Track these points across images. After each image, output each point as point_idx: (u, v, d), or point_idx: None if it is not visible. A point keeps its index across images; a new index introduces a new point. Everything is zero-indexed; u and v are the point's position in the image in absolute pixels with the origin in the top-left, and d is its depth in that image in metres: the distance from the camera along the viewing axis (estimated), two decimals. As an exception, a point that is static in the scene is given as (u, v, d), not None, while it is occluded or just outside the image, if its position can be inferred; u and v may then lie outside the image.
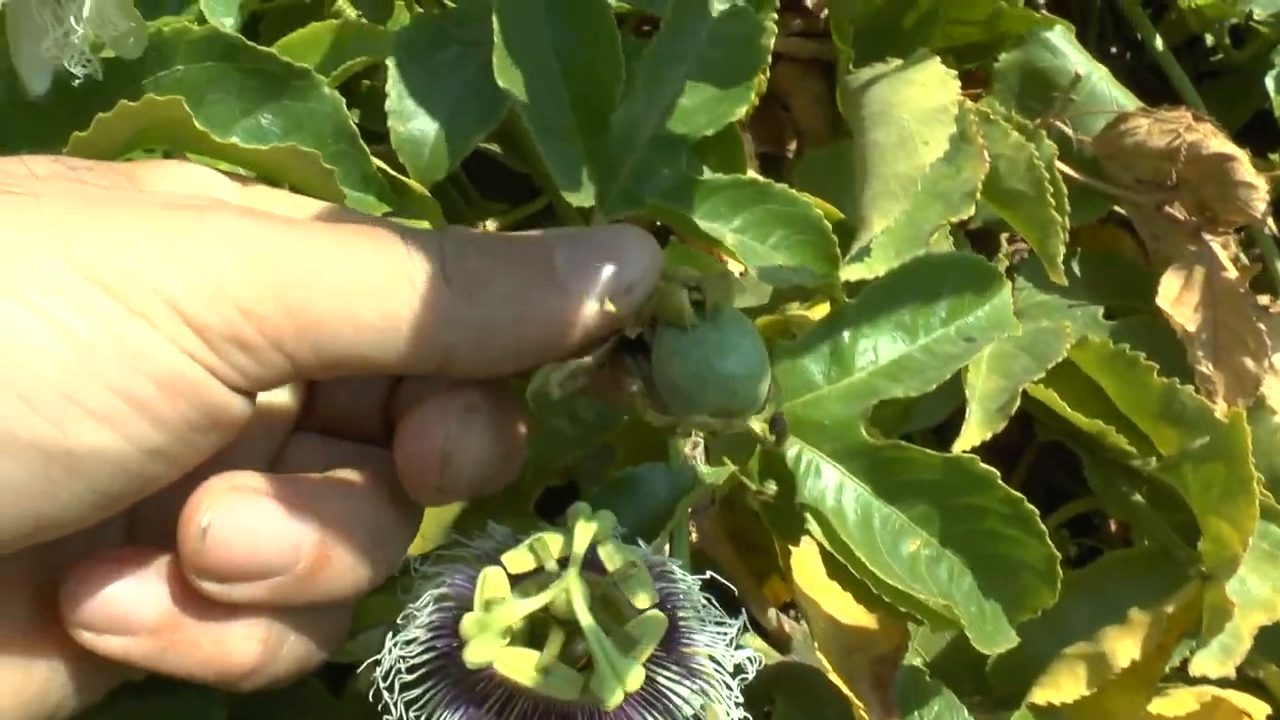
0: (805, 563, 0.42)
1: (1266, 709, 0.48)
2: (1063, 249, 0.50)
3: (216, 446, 0.29)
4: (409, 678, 0.32)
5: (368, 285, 0.28)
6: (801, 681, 0.48)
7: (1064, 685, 0.44)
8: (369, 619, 0.37)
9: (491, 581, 0.30)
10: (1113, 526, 0.61)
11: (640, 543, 0.34)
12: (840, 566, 0.38)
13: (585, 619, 0.28)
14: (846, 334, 0.38)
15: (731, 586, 0.33)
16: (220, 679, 0.30)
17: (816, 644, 0.42)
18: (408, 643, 0.32)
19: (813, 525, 0.38)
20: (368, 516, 0.31)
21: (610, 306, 0.30)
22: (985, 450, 0.64)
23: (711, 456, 0.41)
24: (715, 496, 0.42)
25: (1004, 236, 0.60)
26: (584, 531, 0.30)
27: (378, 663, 0.31)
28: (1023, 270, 0.58)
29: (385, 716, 0.32)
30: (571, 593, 0.29)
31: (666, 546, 0.38)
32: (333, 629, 0.33)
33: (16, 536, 0.26)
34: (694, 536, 0.42)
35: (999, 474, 0.37)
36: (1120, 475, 0.51)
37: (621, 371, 0.32)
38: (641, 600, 0.30)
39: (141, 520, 0.33)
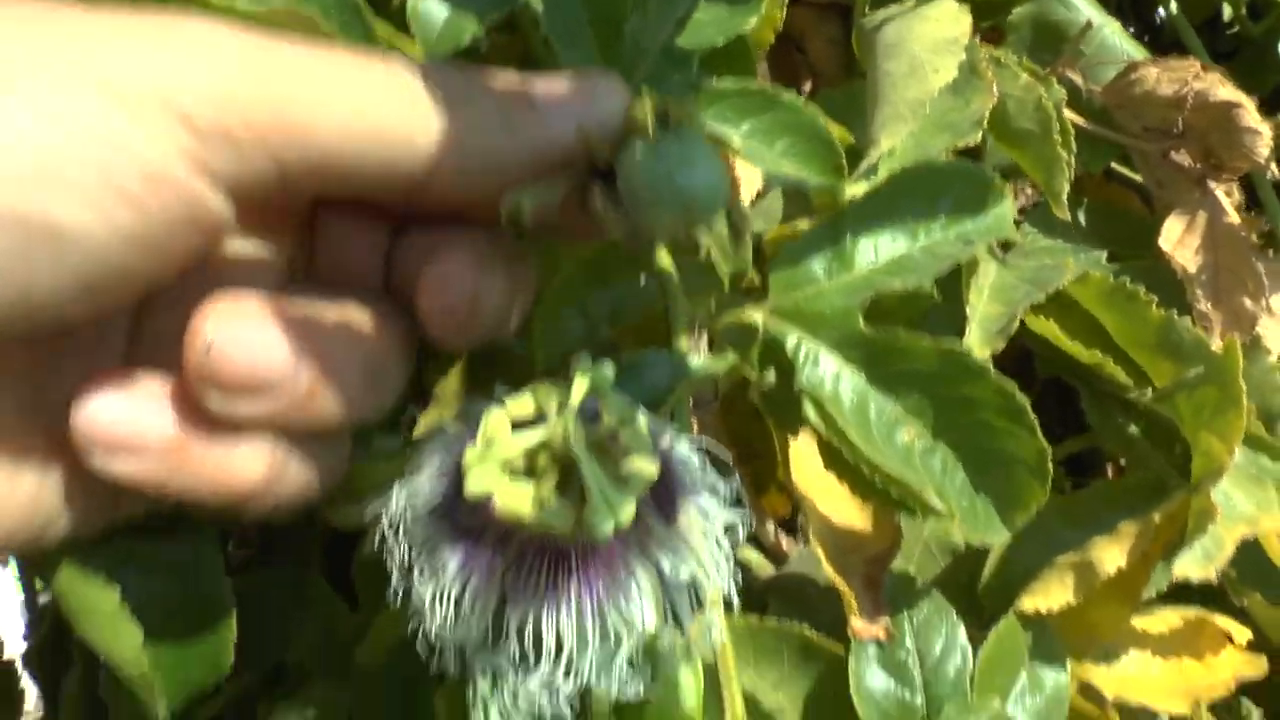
0: (803, 459, 0.43)
1: (1249, 634, 0.49)
2: (1067, 186, 0.51)
3: (195, 251, 0.30)
4: (412, 525, 0.33)
5: (355, 92, 0.30)
6: (796, 589, 0.49)
7: (1052, 593, 0.45)
8: (375, 483, 0.38)
9: (493, 421, 0.32)
10: (1110, 472, 0.62)
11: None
12: (837, 455, 0.40)
13: (580, 450, 0.30)
14: (849, 234, 0.40)
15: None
16: (226, 500, 0.31)
17: (815, 538, 0.44)
18: (412, 493, 0.34)
19: (810, 412, 0.39)
20: (368, 347, 0.33)
21: (584, 133, 0.32)
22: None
23: (715, 350, 0.43)
24: (718, 391, 0.44)
25: (1011, 187, 0.61)
26: (583, 378, 0.32)
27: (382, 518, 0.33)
28: (1029, 216, 0.59)
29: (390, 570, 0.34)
30: (568, 426, 0.30)
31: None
32: (332, 461, 0.34)
33: (4, 316, 0.27)
34: (696, 430, 0.43)
35: (990, 365, 0.38)
36: (1117, 408, 0.53)
37: (591, 194, 0.34)
38: (636, 447, 0.31)
39: (136, 357, 0.34)
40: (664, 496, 0.33)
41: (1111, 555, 0.44)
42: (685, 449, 0.34)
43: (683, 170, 0.34)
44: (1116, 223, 0.61)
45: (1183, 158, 0.55)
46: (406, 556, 0.34)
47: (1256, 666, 0.49)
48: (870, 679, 0.44)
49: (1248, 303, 0.51)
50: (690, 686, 0.34)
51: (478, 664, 0.33)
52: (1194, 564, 0.43)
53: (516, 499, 0.31)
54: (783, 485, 0.48)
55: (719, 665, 0.35)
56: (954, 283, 0.50)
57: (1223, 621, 0.48)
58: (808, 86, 0.61)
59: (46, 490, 0.32)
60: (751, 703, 0.39)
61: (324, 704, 0.55)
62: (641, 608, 0.32)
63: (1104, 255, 0.57)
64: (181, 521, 0.38)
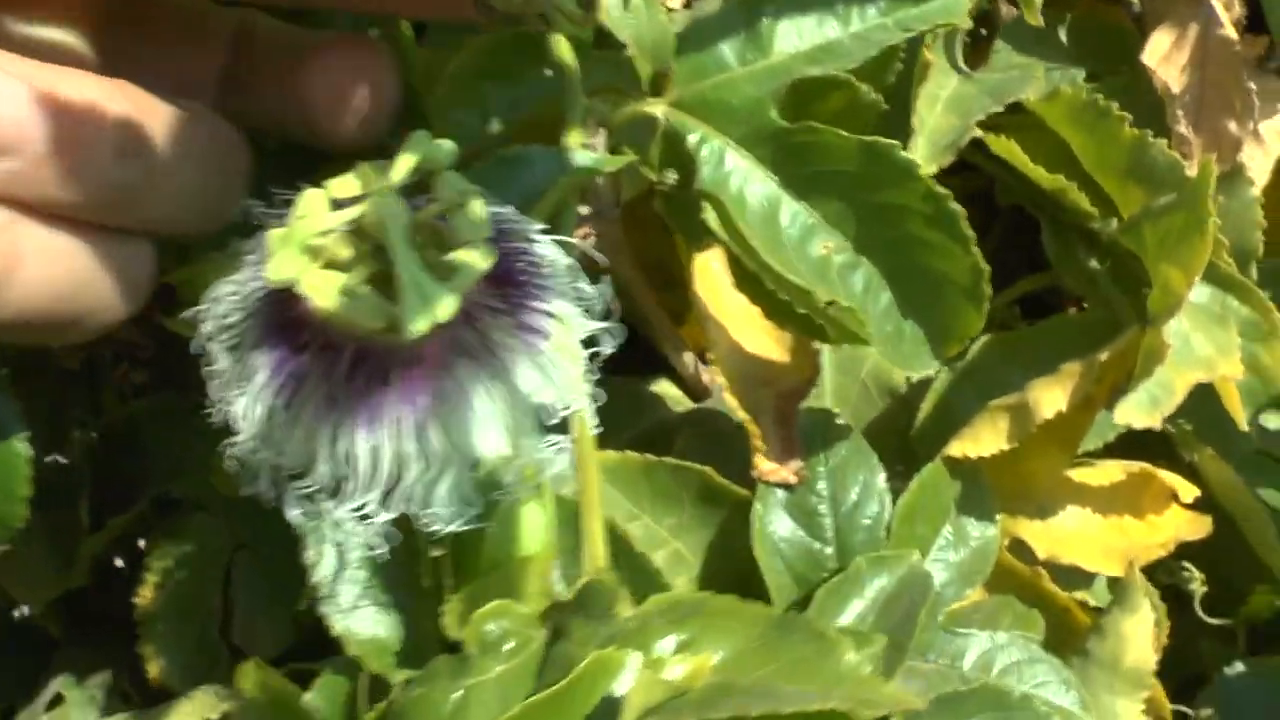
0: (711, 277, 0.38)
1: (1196, 491, 0.45)
2: (1041, -12, 0.45)
3: None
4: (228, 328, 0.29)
5: None
6: (709, 426, 0.45)
7: (983, 438, 0.41)
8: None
9: (307, 201, 0.26)
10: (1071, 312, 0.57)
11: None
12: (748, 273, 0.35)
13: (395, 236, 0.25)
14: (766, 17, 0.34)
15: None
16: None
17: (719, 369, 0.39)
18: (230, 290, 0.29)
19: (711, 217, 0.34)
20: (140, 133, 0.29)
21: None
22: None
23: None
24: (619, 199, 0.38)
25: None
26: (408, 156, 0.26)
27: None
28: (1004, 32, 0.53)
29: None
30: (383, 206, 0.25)
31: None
32: (131, 271, 0.30)
33: None
34: (593, 241, 0.38)
35: (920, 164, 0.33)
36: (1080, 241, 0.47)
37: None
38: (470, 234, 0.26)
39: None
40: (515, 300, 0.28)
41: (1051, 397, 0.39)
42: (546, 248, 0.29)
43: None
44: (1102, 40, 0.54)
45: (1177, -38, 0.48)
46: (224, 363, 0.29)
47: (1200, 527, 0.45)
48: (775, 525, 0.39)
49: (1233, 125, 0.45)
50: (534, 524, 0.30)
51: (288, 491, 0.28)
52: (1139, 410, 0.38)
53: (321, 288, 0.26)
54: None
55: (581, 501, 0.31)
56: (906, 93, 0.44)
57: (1168, 478, 0.44)
58: None
59: None
60: (630, 548, 0.34)
61: (201, 536, 0.51)
62: (472, 427, 0.27)
63: (1080, 74, 0.51)
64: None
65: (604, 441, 0.48)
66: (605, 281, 0.29)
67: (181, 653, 0.50)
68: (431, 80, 0.41)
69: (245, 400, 0.28)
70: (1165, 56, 0.47)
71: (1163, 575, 0.50)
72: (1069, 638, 0.43)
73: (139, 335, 0.57)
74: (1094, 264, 0.47)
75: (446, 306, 0.25)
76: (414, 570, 0.33)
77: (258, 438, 0.28)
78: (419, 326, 0.25)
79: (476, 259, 0.26)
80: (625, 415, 0.48)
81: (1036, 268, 0.53)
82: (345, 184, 0.27)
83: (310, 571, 0.33)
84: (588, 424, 0.31)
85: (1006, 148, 0.46)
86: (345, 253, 0.26)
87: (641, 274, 0.43)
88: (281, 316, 0.28)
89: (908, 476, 0.44)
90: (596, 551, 0.30)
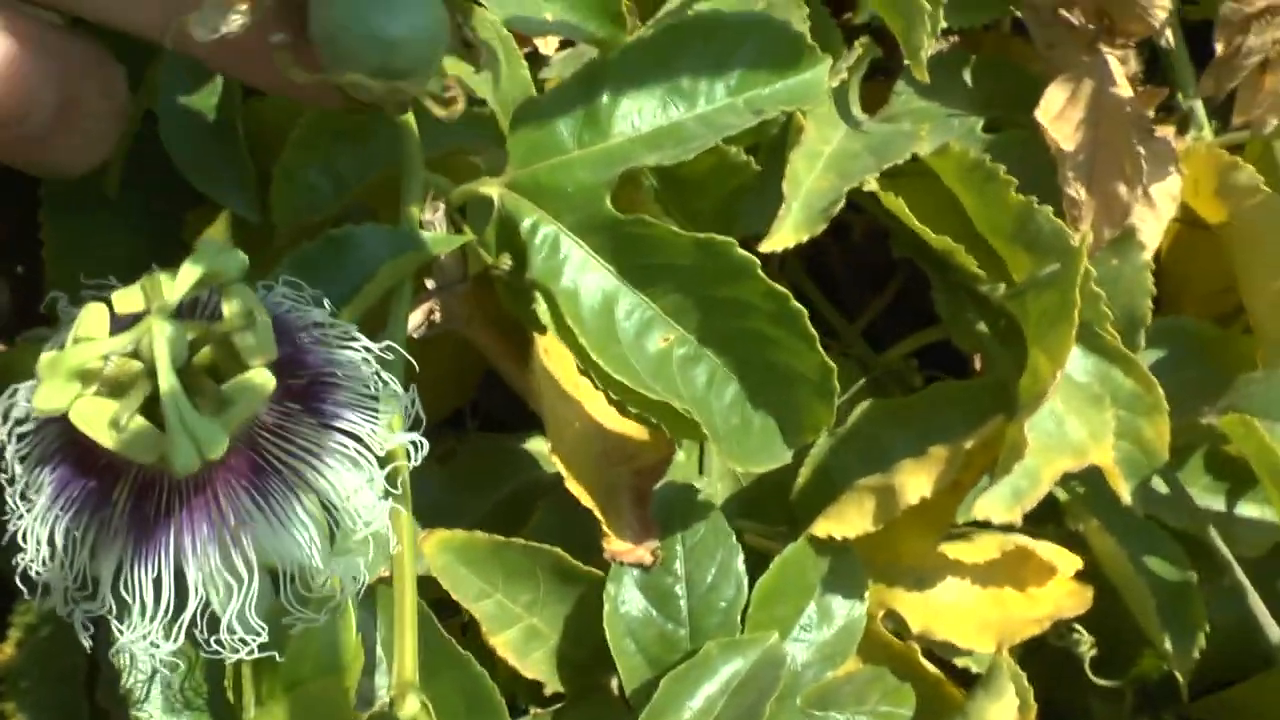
0: (559, 355, 0.37)
1: (1078, 563, 0.44)
2: (929, 42, 0.43)
3: None
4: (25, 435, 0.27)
5: None
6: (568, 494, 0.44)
7: (849, 518, 0.40)
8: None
9: (87, 319, 0.25)
10: (977, 364, 0.56)
11: (326, 305, 0.29)
12: (592, 361, 0.33)
13: (161, 367, 0.24)
14: (606, 95, 0.33)
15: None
16: None
17: (558, 453, 0.38)
18: (27, 393, 0.28)
19: (540, 307, 0.33)
20: None
21: None
22: (852, 268, 0.60)
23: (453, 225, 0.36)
24: (466, 271, 0.37)
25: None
26: (191, 270, 0.25)
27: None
28: (905, 73, 0.52)
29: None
30: (154, 334, 0.24)
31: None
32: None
33: None
34: (437, 316, 0.37)
35: (758, 263, 0.32)
36: (969, 302, 0.46)
37: (273, 18, 0.27)
38: (254, 357, 0.25)
39: None
40: (312, 414, 0.27)
41: (916, 482, 0.38)
42: (351, 353, 0.28)
43: (382, 9, 0.27)
44: (1007, 85, 0.52)
45: (1075, 16, 0.47)
46: (17, 473, 0.28)
47: (1081, 601, 0.44)
48: (628, 606, 0.39)
49: (1122, 189, 0.44)
50: (335, 642, 0.29)
51: (76, 614, 0.27)
52: (999, 504, 0.37)
53: (90, 419, 0.24)
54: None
55: (396, 613, 0.29)
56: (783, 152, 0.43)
57: (1048, 551, 0.43)
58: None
59: None
60: (456, 652, 0.33)
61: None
62: (259, 551, 0.26)
63: (981, 123, 0.50)
64: None
65: (471, 500, 0.48)
66: (413, 390, 0.28)
67: (43, 710, 0.49)
68: (276, 136, 0.39)
69: (33, 518, 0.27)
70: (1059, 114, 0.46)
71: (1053, 637, 0.49)
72: (942, 710, 0.43)
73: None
74: (983, 326, 0.46)
75: (218, 445, 0.24)
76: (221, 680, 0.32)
77: (44, 557, 0.27)
78: (187, 467, 0.23)
79: (260, 383, 0.25)
80: (495, 473, 0.47)
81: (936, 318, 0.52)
82: (129, 297, 0.26)
83: (120, 678, 0.32)
84: (404, 537, 0.29)
85: (896, 204, 0.44)
86: (123, 376, 0.25)
87: (499, 337, 0.41)
88: (68, 435, 0.27)
89: (791, 538, 0.43)
90: (406, 668, 0.29)
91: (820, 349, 0.33)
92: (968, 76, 0.52)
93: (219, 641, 0.26)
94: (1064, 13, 0.47)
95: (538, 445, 0.46)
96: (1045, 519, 0.46)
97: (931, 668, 0.43)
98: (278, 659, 0.27)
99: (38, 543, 0.27)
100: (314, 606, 0.27)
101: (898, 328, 0.55)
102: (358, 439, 0.27)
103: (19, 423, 0.28)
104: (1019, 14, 0.51)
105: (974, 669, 0.46)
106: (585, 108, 0.33)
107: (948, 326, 0.47)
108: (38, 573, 0.27)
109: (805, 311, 0.32)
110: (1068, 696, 0.52)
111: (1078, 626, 0.49)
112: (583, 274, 0.32)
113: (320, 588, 0.27)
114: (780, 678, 0.37)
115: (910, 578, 0.43)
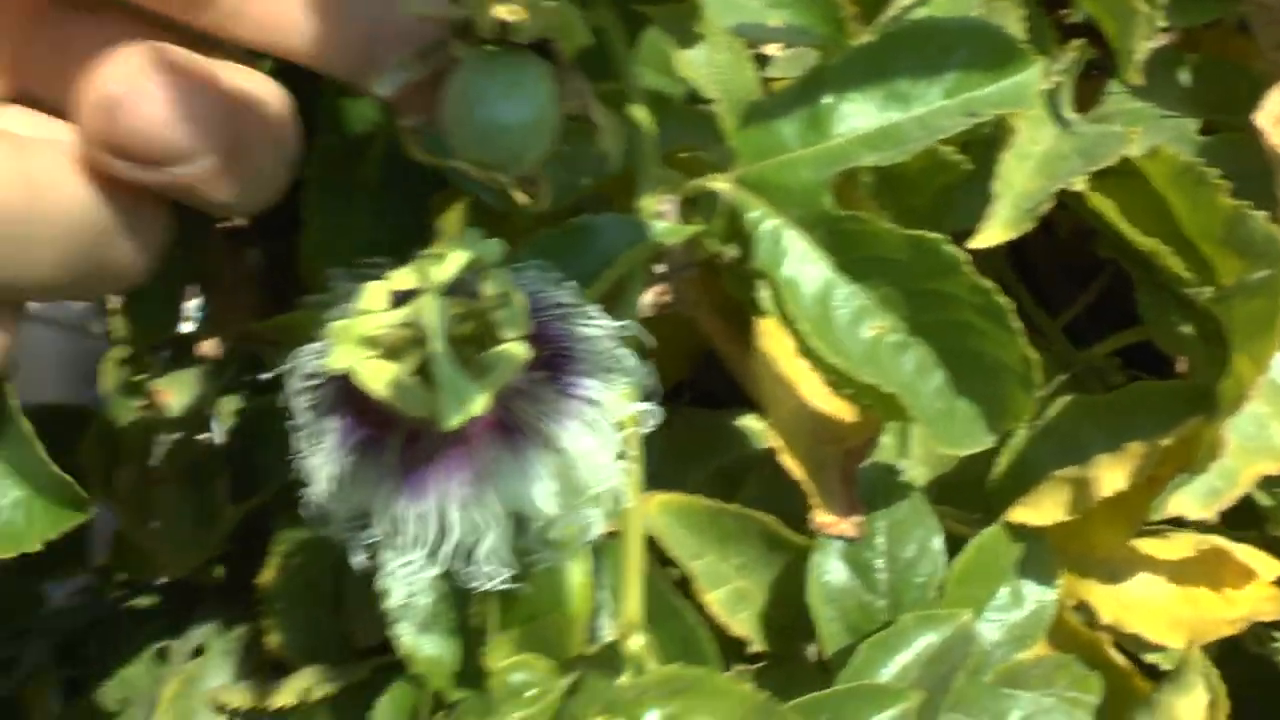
0: (780, 340, 0.40)
1: (1278, 569, 0.44)
2: (1145, 45, 0.44)
3: None
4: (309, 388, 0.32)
5: None
6: (777, 465, 0.46)
7: (1044, 507, 0.41)
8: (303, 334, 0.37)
9: (370, 294, 0.29)
10: (1179, 366, 0.56)
11: (570, 286, 0.33)
12: (810, 346, 0.36)
13: (433, 336, 0.27)
14: (828, 97, 0.35)
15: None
16: None
17: (775, 428, 0.40)
18: (317, 354, 0.32)
19: (763, 293, 0.35)
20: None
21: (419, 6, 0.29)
22: (1057, 266, 0.60)
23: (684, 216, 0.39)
24: (695, 257, 0.40)
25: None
26: (460, 252, 0.29)
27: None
28: (1117, 73, 0.52)
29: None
30: (425, 309, 0.28)
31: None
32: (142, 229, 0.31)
33: None
34: (667, 298, 0.40)
35: (967, 259, 0.34)
36: (1173, 304, 0.47)
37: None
38: (510, 331, 0.29)
39: None
40: (559, 383, 0.31)
41: (1112, 477, 0.39)
42: (596, 329, 0.31)
43: (494, 102, 0.30)
44: (1226, 86, 0.52)
45: (1303, 16, 0.47)
46: (302, 418, 0.32)
47: (1278, 606, 0.44)
48: (831, 575, 0.41)
49: (1343, 197, 0.44)
50: (572, 584, 0.32)
51: (352, 540, 0.32)
52: (1192, 502, 0.38)
53: (373, 378, 0.29)
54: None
55: (623, 565, 0.33)
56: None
57: (1247, 554, 0.43)
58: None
59: None
60: (674, 605, 0.37)
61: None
62: (510, 499, 0.30)
63: (1194, 125, 0.50)
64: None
65: (686, 470, 0.51)
66: (650, 366, 0.32)
67: (296, 631, 0.55)
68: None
69: (318, 458, 0.31)
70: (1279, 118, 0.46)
71: (1251, 643, 0.49)
72: (1129, 701, 0.44)
73: (275, 336, 0.61)
74: (1187, 328, 0.46)
75: (479, 404, 0.27)
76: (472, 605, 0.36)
77: (327, 491, 0.31)
78: (453, 422, 0.27)
79: (514, 354, 0.28)
80: (709, 446, 0.50)
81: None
82: (404, 277, 0.30)
83: (381, 599, 0.37)
84: (632, 494, 0.33)
85: (1103, 205, 0.45)
86: (398, 343, 0.29)
87: (722, 321, 0.44)
88: (351, 389, 0.31)
89: (986, 525, 0.45)
90: (631, 610, 0.32)
91: (1024, 341, 0.34)
92: (1184, 77, 0.52)
93: (471, 573, 0.30)
94: (1291, 15, 0.47)
95: (749, 422, 0.49)
96: (1247, 524, 0.47)
97: (1120, 658, 0.44)
98: (520, 592, 0.30)
99: (322, 479, 0.31)
100: (552, 550, 0.31)
101: (1100, 327, 0.56)
102: (596, 405, 0.30)
103: (306, 378, 0.32)
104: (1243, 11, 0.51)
105: (1163, 666, 0.46)
106: (808, 110, 0.35)
107: (1150, 327, 0.48)
108: (320, 504, 0.32)
109: (1011, 305, 0.34)
110: (1264, 703, 0.51)
111: (1277, 634, 0.49)
112: (803, 264, 0.35)
113: (558, 535, 0.31)
114: (971, 653, 0.39)
115: (1103, 570, 0.44)
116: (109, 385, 0.66)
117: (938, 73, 0.35)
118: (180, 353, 0.63)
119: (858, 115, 0.35)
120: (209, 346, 0.64)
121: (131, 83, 0.28)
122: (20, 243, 0.28)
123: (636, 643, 0.31)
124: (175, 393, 0.62)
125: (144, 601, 0.77)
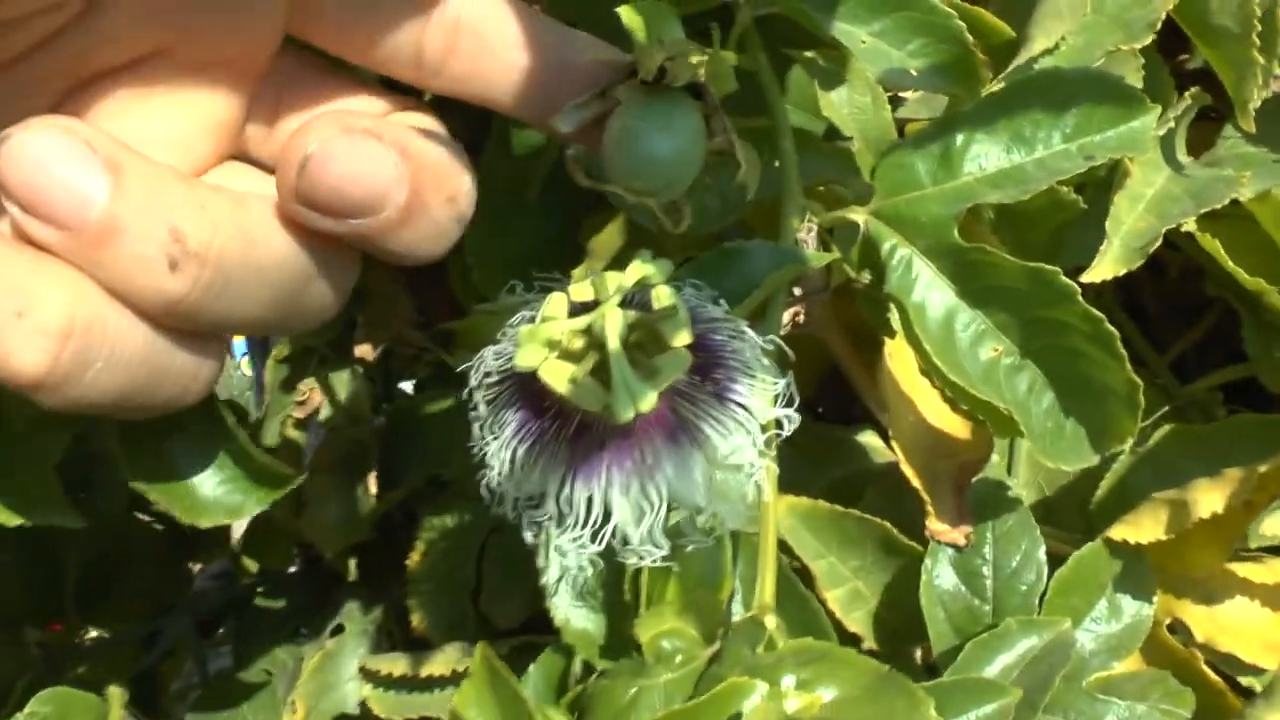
0: (905, 359, 0.44)
1: (1377, 598, 0.46)
2: (1259, 94, 0.47)
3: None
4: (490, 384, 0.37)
5: None
6: (897, 478, 0.50)
7: (1143, 526, 0.44)
8: (484, 334, 0.42)
9: (552, 303, 0.34)
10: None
11: (722, 303, 0.37)
12: (933, 365, 0.40)
13: (611, 341, 0.32)
14: (958, 137, 0.39)
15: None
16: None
17: (897, 441, 0.44)
18: (495, 353, 0.37)
19: (894, 317, 0.39)
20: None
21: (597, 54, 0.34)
22: (1165, 304, 0.63)
23: (821, 244, 0.43)
24: (829, 282, 0.44)
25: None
26: (636, 269, 0.33)
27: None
28: (1233, 120, 0.55)
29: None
30: (605, 316, 0.32)
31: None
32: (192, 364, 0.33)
33: None
34: (801, 318, 0.44)
35: (1079, 290, 0.37)
36: (1279, 341, 0.49)
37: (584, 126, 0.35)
38: (675, 339, 0.33)
39: None
40: (713, 387, 0.35)
41: (1210, 499, 0.42)
42: (750, 343, 0.35)
43: (654, 136, 0.34)
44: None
45: None
46: (482, 411, 0.37)
47: (1370, 632, 0.46)
48: (941, 580, 0.45)
49: None
50: (715, 567, 0.36)
51: (524, 518, 0.36)
52: (1285, 523, 0.41)
53: (555, 375, 0.33)
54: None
55: (760, 552, 0.37)
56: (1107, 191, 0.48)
57: (1342, 581, 0.46)
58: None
59: None
60: (799, 590, 0.40)
61: (462, 516, 0.61)
62: (669, 486, 0.34)
63: (1308, 173, 0.52)
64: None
65: (808, 479, 0.55)
66: (789, 374, 0.36)
67: (438, 612, 0.60)
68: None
69: (496, 445, 0.36)
70: (1388, 167, 0.49)
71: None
72: (1220, 718, 0.46)
73: (428, 341, 0.67)
74: (1291, 365, 0.49)
75: (648, 402, 0.32)
76: (620, 584, 0.40)
77: (503, 475, 0.36)
78: (625, 416, 0.32)
79: (681, 358, 0.33)
80: (831, 458, 0.54)
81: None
82: (582, 289, 0.34)
83: (540, 573, 0.41)
84: (770, 490, 0.37)
85: (1212, 245, 0.48)
86: (577, 347, 0.34)
87: (849, 342, 0.48)
88: (528, 385, 0.36)
89: (1085, 543, 0.48)
90: (766, 593, 0.36)
91: (1129, 367, 0.38)
92: (1299, 126, 0.55)
93: (629, 552, 0.34)
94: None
95: (868, 438, 0.53)
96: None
97: (1213, 675, 0.46)
98: (673, 570, 0.35)
99: (499, 464, 0.36)
100: (700, 535, 0.35)
101: (1206, 364, 0.59)
102: (746, 408, 0.34)
103: (486, 374, 0.37)
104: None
105: (1257, 688, 0.49)
106: (940, 149, 0.39)
107: (1256, 364, 0.51)
108: (496, 486, 0.36)
109: (1118, 333, 0.37)
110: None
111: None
112: (930, 291, 0.39)
113: (706, 521, 0.35)
114: (1069, 659, 0.42)
115: (1198, 591, 0.47)
116: (270, 382, 0.72)
117: (1059, 118, 0.39)
118: (338, 354, 0.69)
119: (985, 156, 0.39)
120: (364, 350, 0.70)
121: (323, 145, 0.32)
122: (237, 286, 0.31)
123: (771, 622, 0.35)
124: (332, 391, 0.68)
125: (277, 587, 0.83)
